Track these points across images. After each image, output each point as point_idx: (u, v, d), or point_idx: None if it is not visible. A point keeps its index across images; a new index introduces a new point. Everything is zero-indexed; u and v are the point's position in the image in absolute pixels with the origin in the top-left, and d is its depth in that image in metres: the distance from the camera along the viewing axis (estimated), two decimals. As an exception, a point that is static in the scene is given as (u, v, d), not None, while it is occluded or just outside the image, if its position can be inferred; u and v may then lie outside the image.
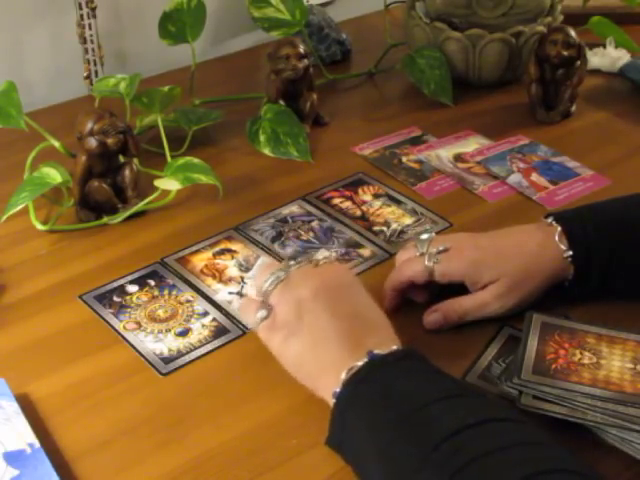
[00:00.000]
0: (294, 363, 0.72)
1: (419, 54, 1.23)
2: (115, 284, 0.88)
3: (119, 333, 0.82)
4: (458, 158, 1.10)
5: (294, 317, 0.70)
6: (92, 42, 1.24)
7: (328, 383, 0.67)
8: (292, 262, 0.73)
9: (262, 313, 0.72)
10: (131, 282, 0.89)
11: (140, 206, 0.98)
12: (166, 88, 1.09)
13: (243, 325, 0.83)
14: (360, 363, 0.66)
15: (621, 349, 0.74)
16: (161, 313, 0.85)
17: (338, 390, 0.66)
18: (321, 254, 0.75)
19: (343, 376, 0.66)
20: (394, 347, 0.67)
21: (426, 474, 0.57)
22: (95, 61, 1.25)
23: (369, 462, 0.63)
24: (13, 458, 0.67)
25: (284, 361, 0.72)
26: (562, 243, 0.80)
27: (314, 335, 0.70)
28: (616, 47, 1.31)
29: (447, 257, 0.81)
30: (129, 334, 0.82)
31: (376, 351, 0.66)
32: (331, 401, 0.67)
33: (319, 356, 0.69)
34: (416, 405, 0.61)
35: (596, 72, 1.29)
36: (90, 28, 1.23)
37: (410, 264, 0.82)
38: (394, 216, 0.99)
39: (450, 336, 0.80)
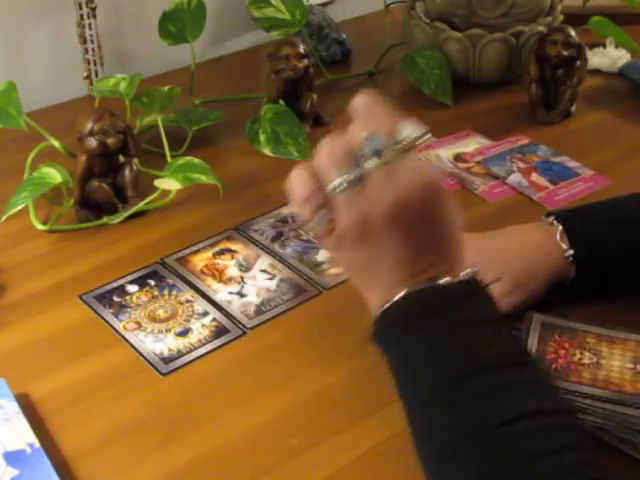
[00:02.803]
0: (345, 270, 0.63)
1: (419, 54, 1.23)
2: (115, 284, 0.88)
3: (119, 333, 0.82)
4: (458, 158, 1.10)
5: (356, 234, 0.58)
6: (92, 42, 1.24)
7: (377, 300, 0.60)
8: (370, 155, 0.57)
9: (323, 217, 0.59)
10: (131, 282, 0.89)
11: (140, 206, 0.98)
12: (166, 88, 1.09)
13: (243, 325, 0.83)
14: (412, 292, 0.58)
15: (621, 349, 0.74)
16: (161, 313, 0.85)
17: (381, 313, 0.59)
18: (408, 129, 0.58)
19: (394, 300, 0.59)
20: (461, 277, 0.59)
21: (472, 451, 0.53)
22: (95, 61, 1.25)
23: (410, 397, 0.58)
24: (13, 458, 0.67)
25: (336, 262, 0.64)
26: (563, 242, 0.80)
27: (373, 256, 0.59)
28: (616, 47, 1.31)
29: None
30: (129, 334, 0.82)
31: (441, 280, 0.58)
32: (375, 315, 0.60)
33: (373, 276, 0.60)
34: (477, 364, 0.56)
35: (596, 72, 1.29)
36: (90, 28, 1.23)
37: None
38: (394, 216, 0.98)
39: (450, 336, 0.80)
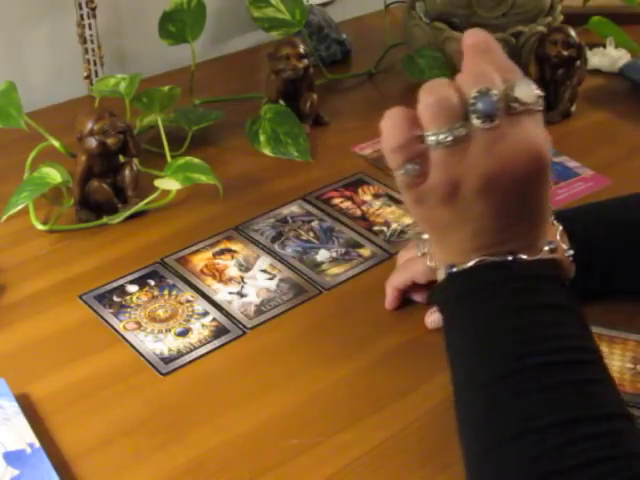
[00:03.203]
0: (420, 223, 0.59)
1: (419, 54, 1.23)
2: (115, 284, 0.88)
3: (119, 333, 0.82)
4: (458, 158, 1.10)
5: (444, 195, 0.55)
6: (92, 42, 1.24)
7: (445, 260, 0.58)
8: (482, 115, 0.53)
9: (413, 168, 0.55)
10: (131, 282, 0.89)
11: (140, 206, 0.98)
12: (166, 88, 1.09)
13: (243, 325, 0.83)
14: (488, 263, 0.55)
15: (621, 349, 0.74)
16: (161, 313, 0.85)
17: (449, 275, 0.57)
18: (524, 89, 0.54)
19: (467, 266, 0.56)
20: (542, 255, 0.57)
21: (512, 451, 0.51)
22: (95, 61, 1.25)
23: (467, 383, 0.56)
24: (13, 458, 0.67)
25: (410, 212, 0.60)
26: (563, 242, 0.80)
27: (450, 220, 0.56)
28: (616, 47, 1.31)
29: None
30: (129, 334, 0.82)
31: (522, 255, 0.56)
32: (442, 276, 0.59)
33: (445, 237, 0.58)
34: (545, 354, 0.53)
35: (596, 72, 1.29)
36: (90, 28, 1.23)
37: (411, 264, 0.82)
38: (394, 216, 0.99)
39: (450, 336, 0.80)
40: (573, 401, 0.52)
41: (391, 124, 0.55)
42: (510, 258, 0.55)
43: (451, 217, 0.56)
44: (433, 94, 0.54)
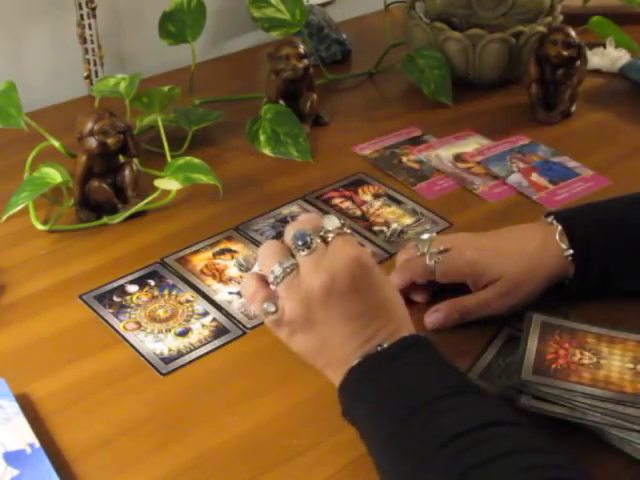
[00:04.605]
0: (302, 354, 0.70)
1: (419, 54, 1.23)
2: (115, 284, 0.88)
3: (119, 333, 0.82)
4: (458, 158, 1.10)
5: (302, 317, 0.66)
6: (92, 42, 1.24)
7: (335, 376, 0.67)
8: (300, 247, 0.66)
9: (269, 307, 0.67)
10: (131, 282, 0.89)
11: (140, 206, 0.98)
12: (166, 88, 1.09)
13: (243, 325, 0.83)
14: (363, 358, 0.65)
15: (621, 349, 0.74)
16: (161, 313, 0.85)
17: (342, 383, 0.66)
18: (329, 222, 0.68)
19: (346, 371, 0.66)
20: (402, 335, 0.66)
21: (428, 476, 0.57)
22: (95, 61, 1.25)
23: (377, 450, 0.64)
24: (13, 458, 0.67)
25: (292, 349, 0.70)
26: (563, 242, 0.80)
27: (322, 336, 0.67)
28: (616, 47, 1.31)
29: (448, 257, 0.81)
30: (129, 334, 0.82)
31: (385, 344, 0.65)
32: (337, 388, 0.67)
33: (326, 354, 0.67)
34: (420, 401, 0.62)
35: (596, 72, 1.29)
36: (90, 28, 1.23)
37: (411, 264, 0.82)
38: (394, 216, 0.99)
39: (450, 336, 0.80)
40: (461, 418, 0.60)
41: (244, 285, 0.70)
42: (375, 349, 0.65)
43: (320, 334, 0.66)
44: (263, 248, 0.69)
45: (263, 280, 0.69)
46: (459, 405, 0.61)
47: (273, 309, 0.67)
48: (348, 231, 0.68)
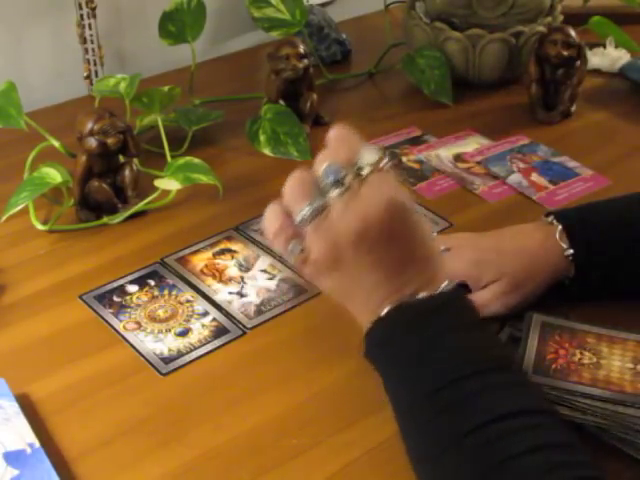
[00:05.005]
0: (327, 294, 0.65)
1: (419, 54, 1.23)
2: (115, 284, 0.88)
3: (119, 333, 0.82)
4: (458, 158, 1.10)
5: (330, 260, 0.61)
6: (92, 42, 1.24)
7: (361, 321, 0.63)
8: (332, 185, 0.60)
9: (295, 248, 0.62)
10: (131, 282, 0.89)
11: (140, 206, 0.98)
12: (166, 88, 1.09)
13: (243, 325, 0.83)
14: (393, 308, 0.60)
15: (621, 349, 0.74)
16: (161, 313, 0.85)
17: (368, 333, 0.62)
18: (367, 156, 0.60)
19: (372, 321, 0.62)
20: (436, 286, 0.61)
21: (453, 460, 0.55)
22: (95, 61, 1.25)
23: (398, 410, 0.61)
24: (13, 458, 0.67)
25: (318, 288, 0.65)
26: (563, 242, 0.80)
27: (350, 281, 0.62)
28: (616, 47, 1.31)
29: (448, 257, 0.80)
30: (129, 334, 0.82)
31: (419, 295, 0.61)
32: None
33: (353, 299, 0.63)
34: (452, 374, 0.58)
35: (596, 72, 1.29)
36: (90, 28, 1.23)
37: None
38: (394, 216, 0.98)
39: (450, 336, 0.80)
40: (493, 402, 0.56)
41: (266, 219, 0.63)
42: (411, 299, 0.61)
43: (348, 279, 0.62)
44: (290, 182, 0.62)
45: (288, 215, 0.62)
46: (493, 385, 0.58)
47: (299, 250, 0.62)
48: (387, 165, 0.61)
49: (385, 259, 0.60)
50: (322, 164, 0.61)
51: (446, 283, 0.62)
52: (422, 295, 0.61)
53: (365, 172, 0.60)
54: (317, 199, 0.60)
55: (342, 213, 0.59)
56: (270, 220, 0.63)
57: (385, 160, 0.61)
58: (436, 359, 0.59)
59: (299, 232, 0.62)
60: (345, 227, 0.59)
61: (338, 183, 0.59)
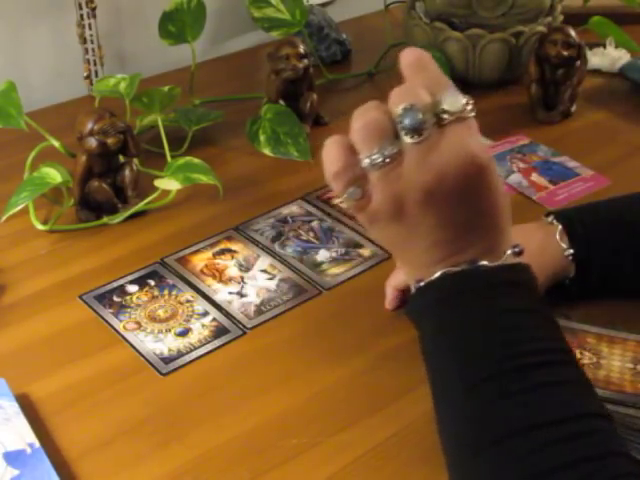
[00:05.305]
0: (380, 242, 0.62)
1: (419, 54, 1.23)
2: (115, 284, 0.88)
3: (119, 333, 0.82)
4: (458, 158, 1.10)
5: (390, 212, 0.56)
6: (92, 42, 1.24)
7: (409, 278, 0.59)
8: (409, 131, 0.54)
9: (355, 193, 0.56)
10: (131, 282, 0.89)
11: (140, 206, 0.98)
12: (166, 88, 1.09)
13: (243, 325, 0.83)
14: (447, 272, 0.56)
15: (621, 349, 0.74)
16: (161, 313, 0.85)
17: (415, 295, 0.58)
18: (450, 100, 0.55)
19: (430, 279, 0.57)
20: (499, 254, 0.56)
21: (518, 448, 0.51)
22: (95, 61, 1.25)
23: (434, 383, 0.57)
24: (13, 458, 0.67)
25: (371, 234, 0.60)
26: (563, 241, 0.80)
27: (407, 236, 0.57)
28: (616, 47, 1.31)
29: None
30: (129, 334, 0.82)
31: (479, 262, 0.56)
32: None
33: (406, 254, 0.59)
34: (504, 361, 0.53)
35: (596, 72, 1.29)
36: (90, 28, 1.23)
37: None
38: (394, 216, 0.98)
39: (450, 336, 0.80)
40: (552, 402, 0.52)
41: (328, 153, 0.56)
42: (472, 266, 0.56)
43: (405, 233, 0.56)
44: (362, 118, 0.55)
45: (352, 153, 0.56)
46: (559, 381, 0.53)
47: (359, 196, 0.56)
48: (471, 115, 0.56)
49: (450, 222, 0.55)
50: (398, 101, 0.54)
51: (508, 253, 0.57)
52: (482, 263, 0.56)
53: (447, 118, 0.54)
54: (390, 145, 0.54)
55: (416, 165, 0.53)
56: (332, 157, 0.56)
57: (469, 107, 0.56)
58: (501, 339, 0.54)
59: (362, 174, 0.55)
60: (416, 182, 0.54)
61: (416, 130, 0.53)
